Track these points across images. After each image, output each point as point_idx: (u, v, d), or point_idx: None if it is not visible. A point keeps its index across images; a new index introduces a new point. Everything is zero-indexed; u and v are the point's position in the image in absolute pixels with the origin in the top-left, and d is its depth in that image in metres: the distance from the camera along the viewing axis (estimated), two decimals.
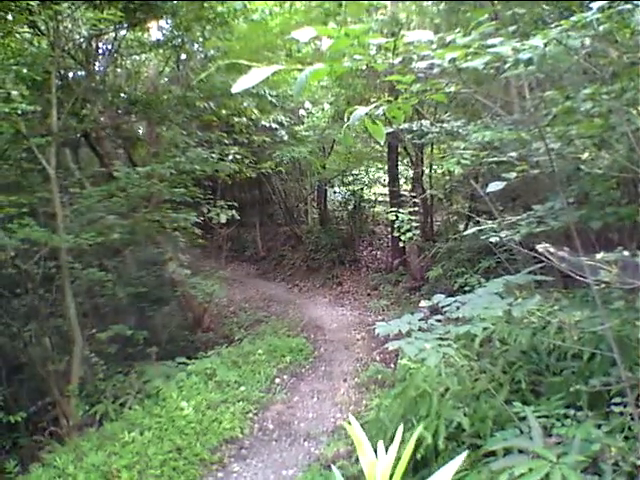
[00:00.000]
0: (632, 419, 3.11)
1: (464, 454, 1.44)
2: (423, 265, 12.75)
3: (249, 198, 19.71)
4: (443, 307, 3.59)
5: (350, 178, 17.64)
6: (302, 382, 8.32)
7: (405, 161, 15.46)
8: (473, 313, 3.35)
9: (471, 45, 2.70)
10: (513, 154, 4.16)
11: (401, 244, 9.78)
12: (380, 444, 1.36)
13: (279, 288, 15.63)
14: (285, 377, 8.49)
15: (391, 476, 1.32)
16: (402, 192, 14.58)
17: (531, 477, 2.78)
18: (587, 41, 2.79)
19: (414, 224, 6.68)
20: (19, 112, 7.32)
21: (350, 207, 17.54)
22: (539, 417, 3.44)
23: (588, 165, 3.82)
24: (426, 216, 14.00)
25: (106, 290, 9.25)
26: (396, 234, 6.83)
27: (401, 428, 1.52)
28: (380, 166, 17.29)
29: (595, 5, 2.49)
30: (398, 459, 1.35)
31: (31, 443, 7.58)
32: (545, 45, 2.58)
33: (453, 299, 3.62)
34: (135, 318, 10.05)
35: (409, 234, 6.47)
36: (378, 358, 8.94)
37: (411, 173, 14.88)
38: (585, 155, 3.68)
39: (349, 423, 1.41)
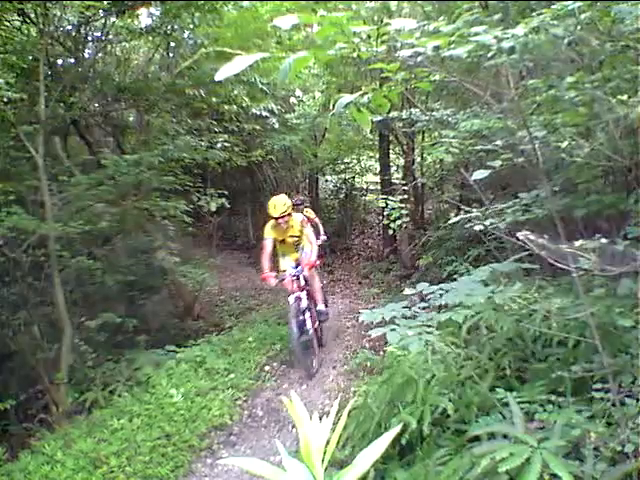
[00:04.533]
0: (614, 405, 3.15)
1: (398, 427, 1.50)
2: (414, 253, 12.81)
3: (240, 186, 19.65)
4: (427, 295, 3.62)
5: (342, 166, 17.68)
6: (292, 369, 8.35)
7: (396, 149, 15.48)
8: (455, 300, 3.38)
9: (454, 33, 2.71)
10: (498, 142, 4.18)
11: (391, 232, 9.81)
12: (315, 416, 1.40)
13: None
14: (275, 364, 8.52)
15: (326, 444, 1.37)
16: (394, 180, 14.62)
17: (511, 461, 2.81)
18: (572, 29, 2.81)
19: (404, 212, 6.70)
20: (5, 100, 7.28)
21: (342, 196, 17.60)
22: (522, 403, 3.48)
23: (572, 153, 3.84)
24: (417, 204, 14.04)
25: (95, 278, 9.22)
26: (386, 222, 6.85)
27: (336, 403, 1.59)
28: (371, 154, 17.33)
29: None
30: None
31: (21, 431, 7.57)
32: (527, 34, 2.60)
33: (437, 287, 3.65)
34: (125, 306, 10.04)
35: (399, 222, 6.49)
36: (367, 345, 8.98)
37: (402, 161, 14.90)
38: (565, 144, 3.70)
39: (290, 401, 1.45)
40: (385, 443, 1.38)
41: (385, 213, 6.64)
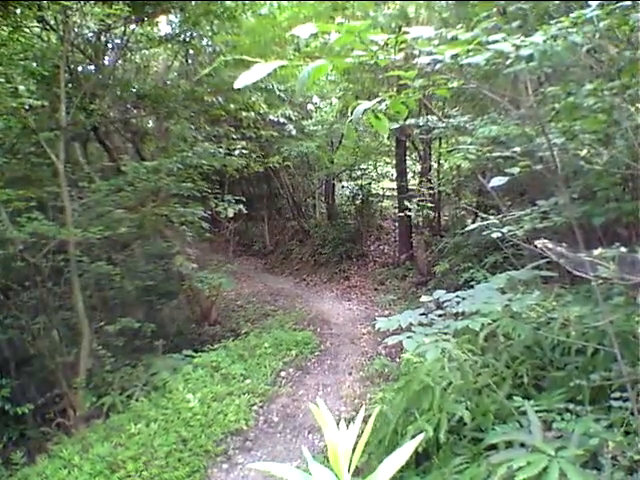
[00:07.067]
0: (632, 414, 3.12)
1: (421, 436, 1.49)
2: (430, 260, 12.76)
3: (257, 192, 19.75)
4: (444, 302, 3.61)
5: (358, 172, 17.64)
6: (308, 375, 8.36)
7: (413, 155, 15.44)
8: (472, 308, 3.37)
9: (473, 41, 2.71)
10: (517, 149, 4.16)
11: (404, 237, 9.75)
12: (342, 423, 1.40)
13: (286, 282, 15.68)
14: (291, 370, 8.53)
15: (353, 450, 1.37)
16: (410, 187, 14.57)
17: (529, 470, 2.80)
18: (590, 37, 2.80)
19: (430, 205, 6.64)
20: (27, 107, 7.38)
21: (358, 201, 17.54)
22: (540, 411, 3.45)
23: (591, 160, 3.82)
24: (434, 211, 13.98)
25: (114, 283, 9.31)
26: (411, 212, 6.78)
27: (363, 409, 1.58)
28: (388, 160, 17.29)
29: (594, 2, 2.49)
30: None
31: (38, 435, 7.65)
32: (546, 41, 2.59)
33: (454, 294, 3.64)
34: (143, 311, 10.12)
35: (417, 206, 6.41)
36: (383, 352, 8.96)
37: (419, 167, 14.87)
38: (584, 151, 3.68)
39: (316, 405, 1.45)
40: (409, 451, 1.38)
41: (410, 205, 6.59)
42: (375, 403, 6.07)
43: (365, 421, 1.45)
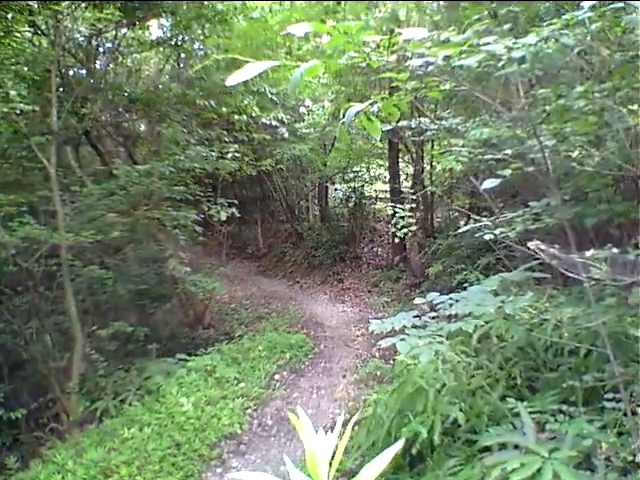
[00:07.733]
0: (625, 415, 3.13)
1: (401, 442, 1.50)
2: (423, 262, 12.77)
3: (250, 195, 19.73)
4: (437, 304, 3.61)
5: (351, 175, 17.69)
6: (302, 378, 8.35)
7: (406, 158, 15.47)
8: (465, 310, 3.37)
9: (465, 43, 2.71)
10: (508, 151, 4.17)
11: (400, 240, 9.74)
12: (321, 430, 1.40)
13: (280, 285, 15.66)
14: (285, 373, 8.52)
15: (332, 458, 1.37)
16: (403, 189, 14.60)
17: (523, 472, 2.80)
18: (582, 39, 2.81)
19: (411, 220, 6.68)
20: (18, 112, 7.36)
21: (351, 204, 17.56)
22: (533, 413, 3.46)
23: (582, 162, 3.83)
24: (427, 213, 14.00)
25: (107, 287, 9.28)
26: (393, 230, 6.84)
27: (341, 416, 1.59)
28: (381, 163, 17.33)
29: (586, 4, 2.50)
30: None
31: (32, 439, 7.61)
32: (537, 43, 2.60)
33: (447, 296, 3.64)
34: (136, 315, 10.08)
35: (405, 229, 6.47)
36: (377, 354, 8.97)
37: (412, 170, 14.90)
38: (575, 153, 3.69)
39: (295, 414, 1.44)
40: (389, 457, 1.37)
41: (392, 222, 6.64)
42: (369, 405, 6.07)
43: (345, 425, 1.45)
